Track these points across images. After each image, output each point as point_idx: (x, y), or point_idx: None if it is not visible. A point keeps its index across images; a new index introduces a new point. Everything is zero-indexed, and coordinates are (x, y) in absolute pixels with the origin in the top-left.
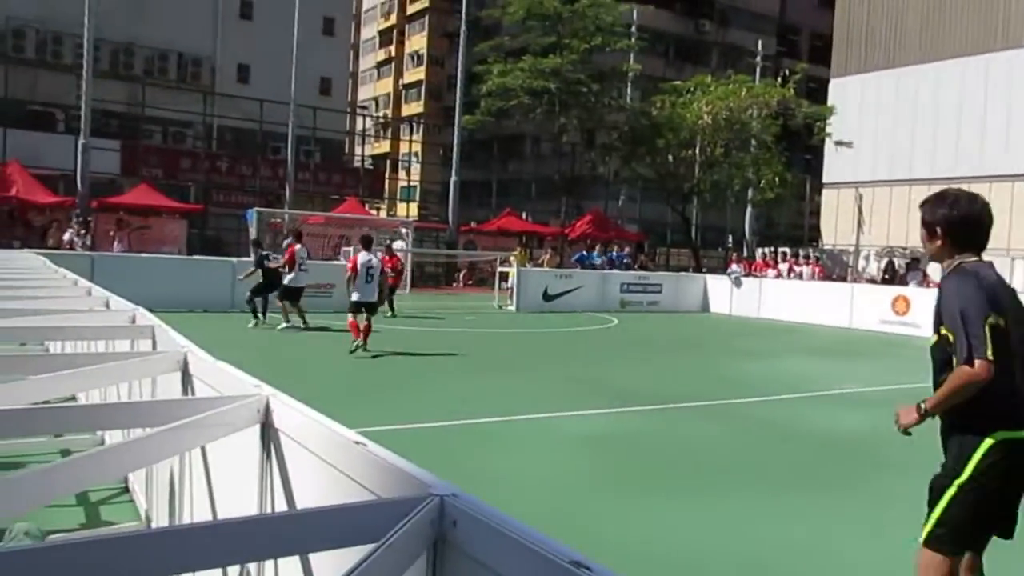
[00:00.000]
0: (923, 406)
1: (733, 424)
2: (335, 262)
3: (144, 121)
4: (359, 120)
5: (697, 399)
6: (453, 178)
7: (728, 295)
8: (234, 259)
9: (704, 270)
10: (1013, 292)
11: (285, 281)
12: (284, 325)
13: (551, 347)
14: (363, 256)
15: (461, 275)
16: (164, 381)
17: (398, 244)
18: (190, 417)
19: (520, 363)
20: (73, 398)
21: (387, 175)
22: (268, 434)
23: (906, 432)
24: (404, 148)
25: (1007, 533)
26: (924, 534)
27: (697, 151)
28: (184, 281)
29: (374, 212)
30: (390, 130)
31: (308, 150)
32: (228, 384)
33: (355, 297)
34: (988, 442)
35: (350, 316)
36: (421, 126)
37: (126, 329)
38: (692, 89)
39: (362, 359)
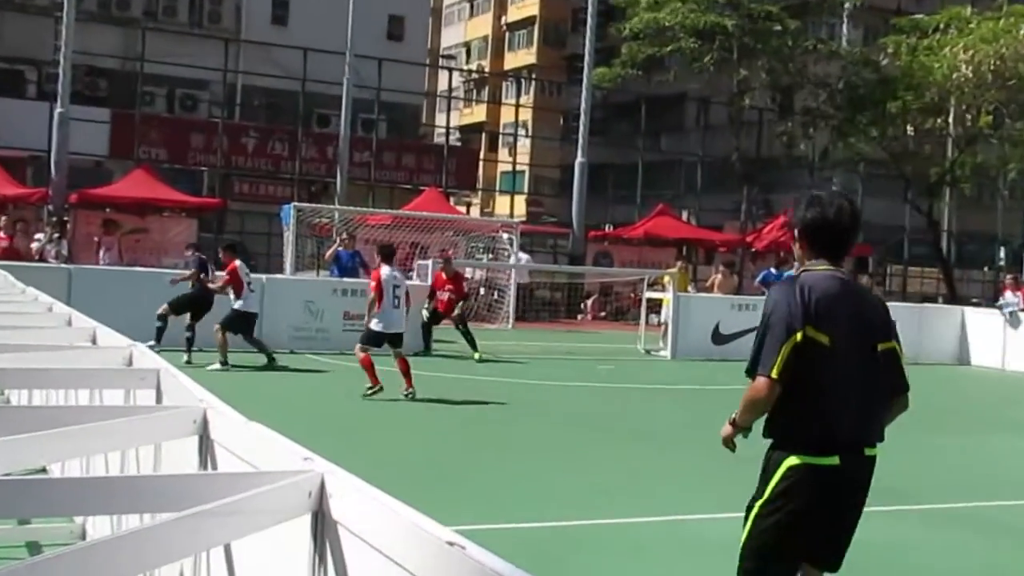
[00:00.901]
0: (733, 416)
1: (1013, 539)
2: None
3: (143, 81)
4: (443, 76)
5: (954, 499)
6: (579, 159)
7: (1000, 339)
8: (263, 276)
9: (962, 300)
10: (867, 311)
11: (235, 306)
12: (215, 366)
13: (722, 414)
14: (386, 271)
15: (589, 303)
16: (174, 448)
17: (522, 257)
18: (213, 502)
19: (678, 437)
20: (44, 470)
21: (482, 155)
22: (322, 526)
23: (728, 446)
24: (507, 116)
25: (827, 565)
26: (737, 564)
27: (951, 119)
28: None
29: (462, 209)
30: (487, 90)
31: (369, 120)
32: (265, 455)
33: (378, 326)
34: (787, 463)
35: (360, 350)
36: (532, 84)
37: (120, 374)
38: (942, 27)
39: (440, 420)
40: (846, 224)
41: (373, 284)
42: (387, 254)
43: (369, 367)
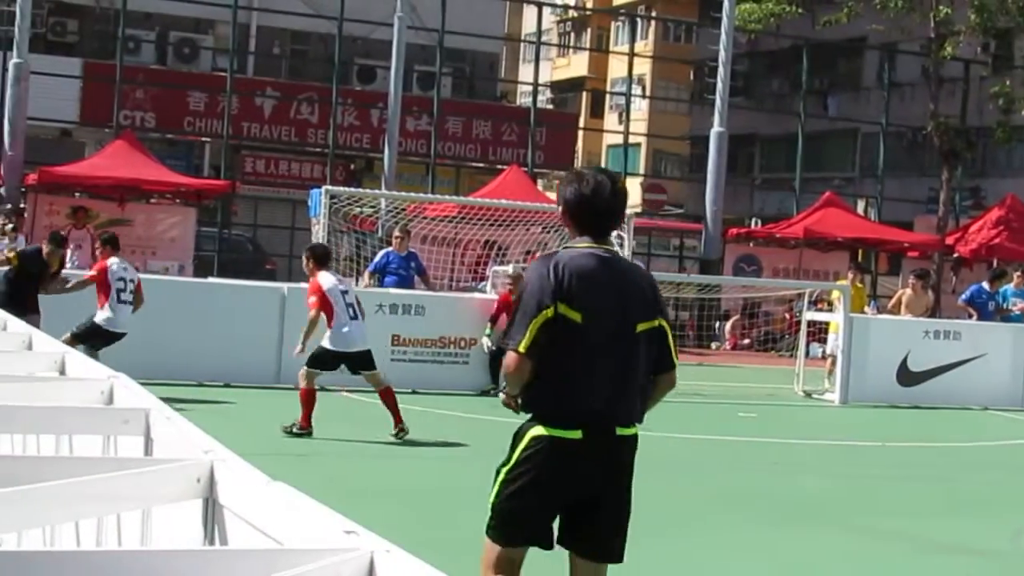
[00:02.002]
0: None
1: None
2: (477, 295)
3: (126, 21)
4: (529, 14)
5: None
6: (716, 128)
7: None
8: (284, 285)
9: None
10: (628, 289)
11: (97, 319)
12: None
13: (919, 483)
14: (328, 278)
15: (728, 327)
16: (169, 515)
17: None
18: None
19: (847, 518)
20: None
21: (582, 122)
22: None
23: (513, 407)
24: (615, 70)
25: (600, 555)
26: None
27: None
28: (192, 326)
29: (555, 197)
30: (589, 33)
31: (429, 74)
32: (294, 526)
33: (330, 344)
34: (532, 433)
35: (303, 380)
36: (652, 25)
37: (97, 415)
38: None
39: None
40: (605, 201)
41: (313, 299)
42: (320, 257)
43: (307, 400)
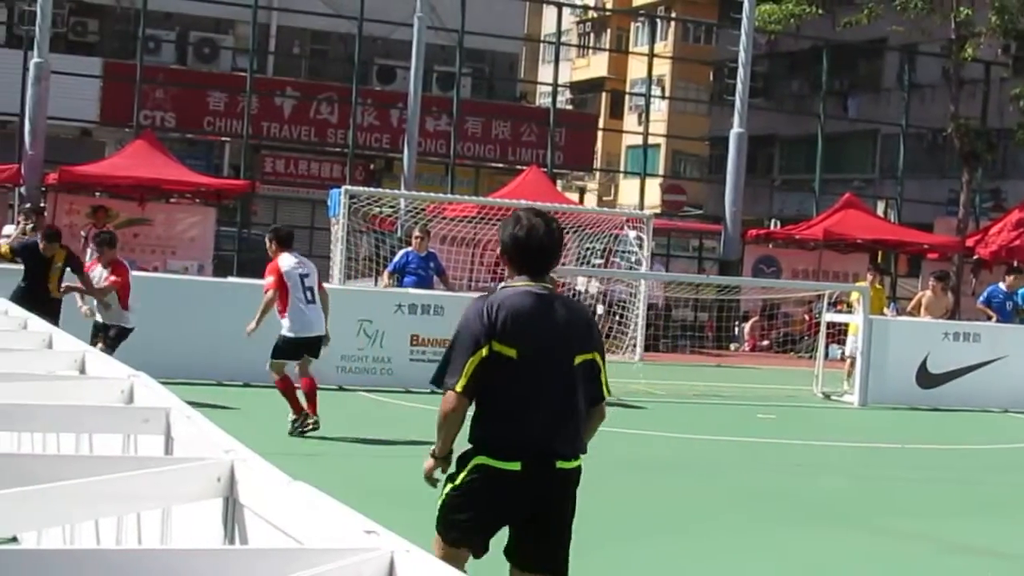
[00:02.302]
0: (434, 448)
1: None
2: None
3: (146, 21)
4: (549, 15)
5: None
6: (735, 129)
7: None
8: None
9: None
10: (565, 324)
11: (124, 321)
12: None
13: (939, 485)
14: (287, 260)
15: (747, 329)
16: (189, 515)
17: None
18: None
19: (866, 520)
20: (14, 540)
21: (602, 123)
22: None
23: (429, 481)
24: (635, 70)
25: (516, 560)
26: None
27: None
28: (211, 325)
29: (574, 197)
30: (609, 34)
31: (448, 74)
32: (314, 526)
33: (289, 331)
34: (475, 461)
35: (274, 373)
36: (672, 26)
37: (117, 414)
38: None
39: None
40: (539, 241)
41: (271, 281)
42: (283, 239)
43: (288, 388)
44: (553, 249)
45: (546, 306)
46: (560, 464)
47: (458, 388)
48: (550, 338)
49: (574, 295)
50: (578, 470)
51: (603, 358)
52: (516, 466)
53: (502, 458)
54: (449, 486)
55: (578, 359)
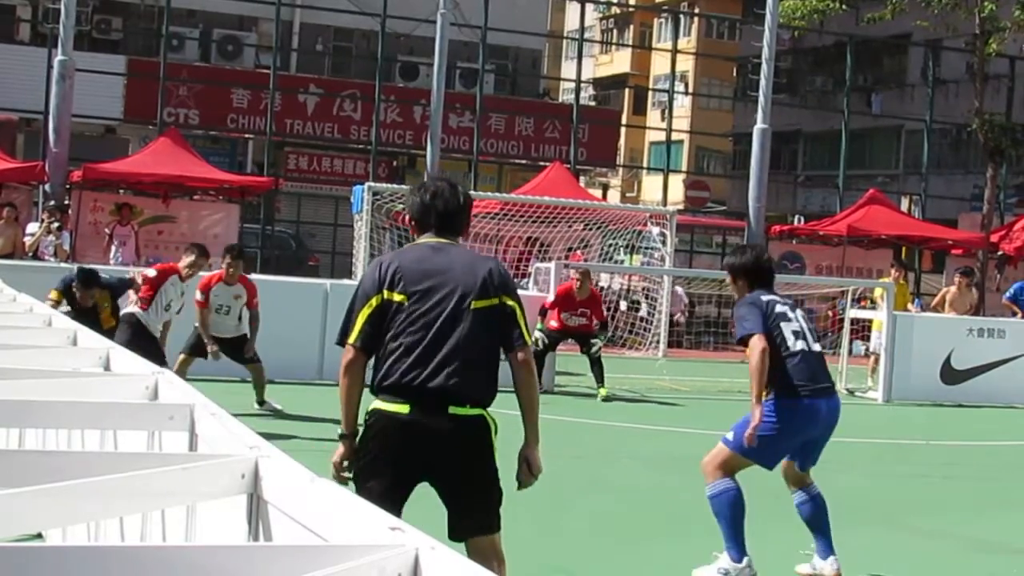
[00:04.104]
0: (340, 429)
1: None
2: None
3: (170, 19)
4: (572, 11)
5: None
6: (759, 125)
7: None
8: (327, 281)
9: None
10: (459, 271)
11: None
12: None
13: (964, 482)
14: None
15: None
16: (214, 511)
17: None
18: None
19: (892, 516)
20: (39, 537)
21: (625, 119)
22: None
23: (339, 477)
24: (660, 67)
25: (471, 530)
26: None
27: None
28: None
29: (597, 193)
30: (632, 31)
31: (471, 71)
32: (339, 523)
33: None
34: (372, 406)
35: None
36: (696, 22)
37: (141, 411)
38: None
39: (555, 484)
40: (444, 201)
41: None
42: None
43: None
44: (457, 209)
45: (440, 253)
46: (453, 409)
47: (350, 340)
48: (441, 283)
49: (601, 291)
50: (479, 420)
51: (517, 304)
52: (404, 408)
53: (390, 399)
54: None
55: (475, 304)
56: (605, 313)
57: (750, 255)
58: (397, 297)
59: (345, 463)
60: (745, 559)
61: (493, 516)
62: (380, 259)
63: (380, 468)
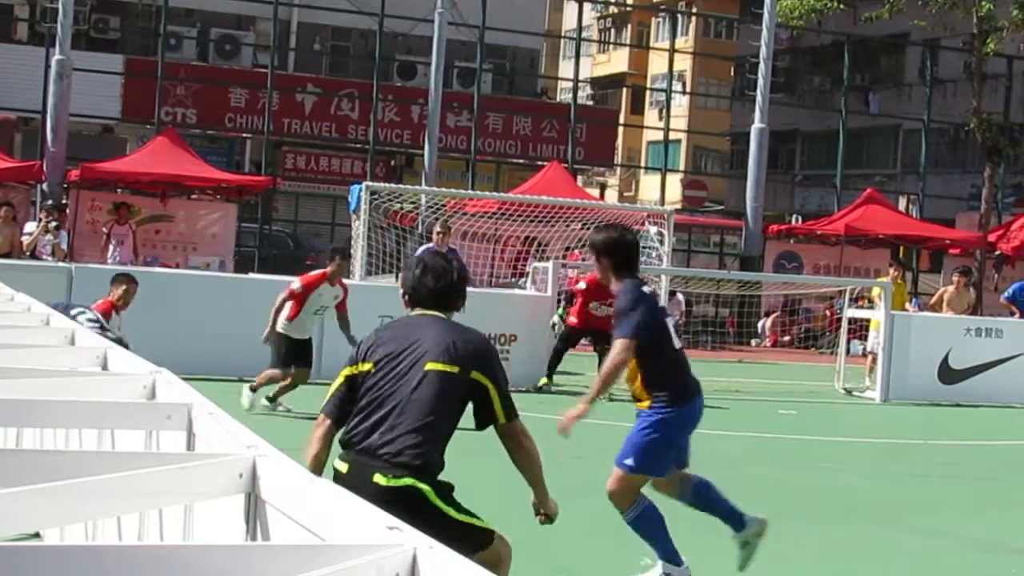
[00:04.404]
0: None
1: None
2: (517, 291)
3: (167, 18)
4: (570, 11)
5: None
6: (756, 125)
7: None
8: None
9: None
10: (427, 338)
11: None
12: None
13: (962, 481)
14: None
15: (768, 324)
16: (212, 511)
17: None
18: None
19: (889, 516)
20: (36, 536)
21: (623, 119)
22: None
23: None
24: (656, 66)
25: None
26: None
27: None
28: (233, 321)
29: (595, 193)
30: (630, 30)
31: (469, 70)
32: (336, 522)
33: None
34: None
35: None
36: (693, 22)
37: (139, 410)
38: None
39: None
40: (435, 280)
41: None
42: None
43: None
44: (448, 287)
45: (413, 322)
46: (376, 478)
47: (321, 407)
48: (406, 348)
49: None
50: (408, 491)
51: (492, 384)
52: (344, 467)
53: (340, 457)
54: None
55: (430, 366)
56: None
57: (616, 232)
58: (365, 367)
59: None
60: (684, 563)
61: (470, 545)
62: (368, 335)
63: None
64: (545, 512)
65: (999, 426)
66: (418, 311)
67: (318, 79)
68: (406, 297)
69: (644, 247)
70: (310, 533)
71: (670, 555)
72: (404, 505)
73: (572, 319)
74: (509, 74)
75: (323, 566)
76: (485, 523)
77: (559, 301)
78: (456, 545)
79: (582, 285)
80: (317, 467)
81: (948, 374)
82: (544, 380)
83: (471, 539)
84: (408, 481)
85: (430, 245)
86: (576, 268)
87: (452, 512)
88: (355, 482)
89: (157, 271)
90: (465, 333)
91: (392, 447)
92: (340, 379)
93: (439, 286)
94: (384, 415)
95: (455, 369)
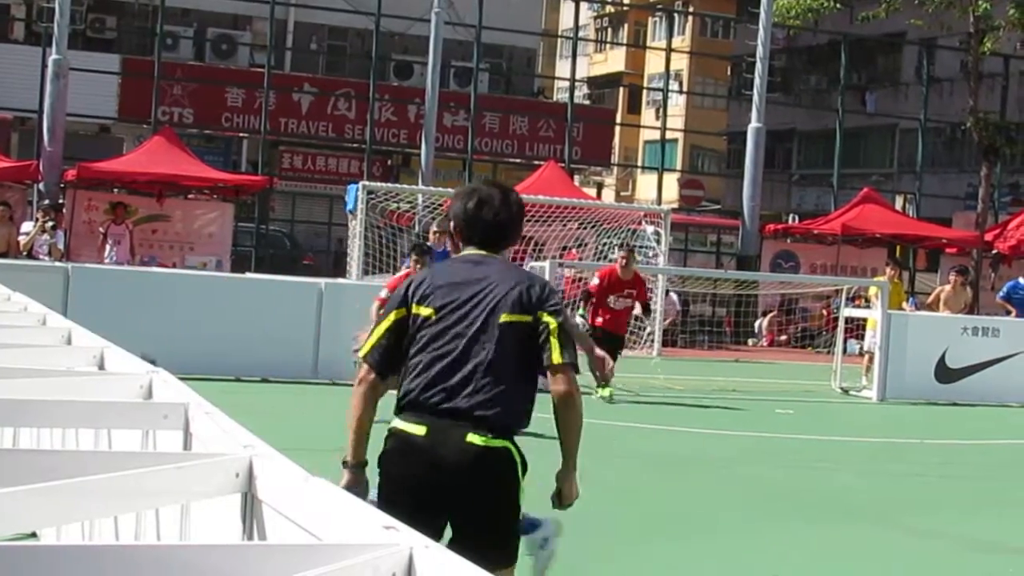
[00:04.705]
0: (344, 456)
1: None
2: None
3: (164, 18)
4: (567, 10)
5: None
6: (753, 124)
7: None
8: (321, 281)
9: None
10: (495, 286)
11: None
12: None
13: (959, 481)
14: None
15: (765, 324)
16: (208, 510)
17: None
18: None
19: (884, 515)
20: (33, 536)
21: (619, 118)
22: None
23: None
24: (652, 65)
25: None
26: None
27: None
28: (230, 321)
29: (591, 192)
30: (627, 29)
31: (466, 69)
32: (333, 522)
33: None
34: (389, 427)
35: None
36: (690, 21)
37: (136, 409)
38: None
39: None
40: (493, 214)
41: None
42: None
43: None
44: (508, 221)
45: (478, 268)
46: (471, 438)
47: (362, 353)
48: (472, 296)
49: None
50: (502, 452)
51: (556, 321)
52: (421, 429)
53: (408, 419)
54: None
55: (505, 318)
56: (648, 295)
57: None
58: (424, 311)
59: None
60: None
61: (504, 554)
62: (415, 274)
63: (400, 496)
64: (560, 492)
65: (996, 425)
66: (470, 250)
67: (315, 79)
68: (455, 232)
69: (641, 247)
70: (306, 533)
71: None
72: (495, 467)
73: (598, 319)
74: (506, 74)
75: (319, 565)
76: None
77: (575, 303)
78: (506, 534)
79: (596, 281)
80: (364, 432)
81: (945, 373)
82: (607, 391)
83: (515, 531)
84: (502, 443)
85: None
86: (573, 267)
87: (519, 494)
88: (437, 442)
89: (154, 271)
90: (529, 277)
91: (485, 409)
92: (387, 324)
93: (499, 219)
94: (468, 374)
95: (528, 318)
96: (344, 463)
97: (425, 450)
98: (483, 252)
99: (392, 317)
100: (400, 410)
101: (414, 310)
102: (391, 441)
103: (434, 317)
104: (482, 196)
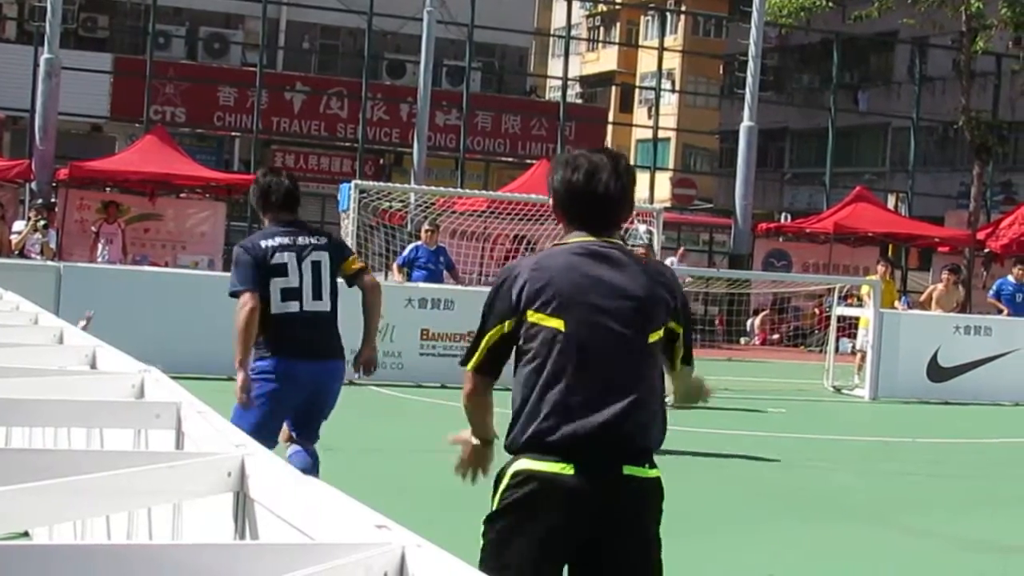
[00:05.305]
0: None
1: None
2: None
3: (156, 17)
4: (559, 9)
5: None
6: (746, 123)
7: None
8: None
9: None
10: (634, 285)
11: None
12: None
13: (951, 480)
14: None
15: (757, 323)
16: (200, 510)
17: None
18: None
19: (876, 513)
20: (25, 535)
21: (611, 117)
22: None
23: (465, 468)
24: (645, 64)
25: None
26: None
27: None
28: (220, 320)
29: None
30: (619, 28)
31: (458, 68)
32: (325, 521)
33: None
34: (513, 468)
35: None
36: (682, 20)
37: (128, 408)
38: None
39: None
40: (605, 188)
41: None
42: None
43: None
44: (621, 195)
45: (605, 264)
46: (629, 470)
47: (469, 366)
48: (613, 303)
49: None
50: (656, 483)
51: (686, 325)
52: (569, 469)
53: (545, 459)
54: (484, 526)
55: (655, 336)
56: None
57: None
58: (551, 322)
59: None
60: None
61: None
62: (515, 265)
63: (522, 545)
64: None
65: (988, 424)
66: (582, 236)
67: (307, 78)
68: (558, 212)
69: (633, 245)
70: (298, 532)
71: None
72: (649, 498)
73: None
74: (498, 72)
75: (311, 565)
76: None
77: None
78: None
79: None
80: (487, 436)
81: (937, 372)
82: None
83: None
84: (655, 472)
85: (419, 244)
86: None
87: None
88: (590, 481)
89: (146, 270)
90: (661, 273)
91: (633, 434)
92: (496, 333)
93: (610, 195)
94: (622, 404)
95: (673, 325)
96: (481, 442)
97: (574, 491)
98: (602, 241)
99: (505, 327)
100: (529, 447)
101: (531, 318)
102: (522, 482)
103: (564, 329)
104: (591, 165)
